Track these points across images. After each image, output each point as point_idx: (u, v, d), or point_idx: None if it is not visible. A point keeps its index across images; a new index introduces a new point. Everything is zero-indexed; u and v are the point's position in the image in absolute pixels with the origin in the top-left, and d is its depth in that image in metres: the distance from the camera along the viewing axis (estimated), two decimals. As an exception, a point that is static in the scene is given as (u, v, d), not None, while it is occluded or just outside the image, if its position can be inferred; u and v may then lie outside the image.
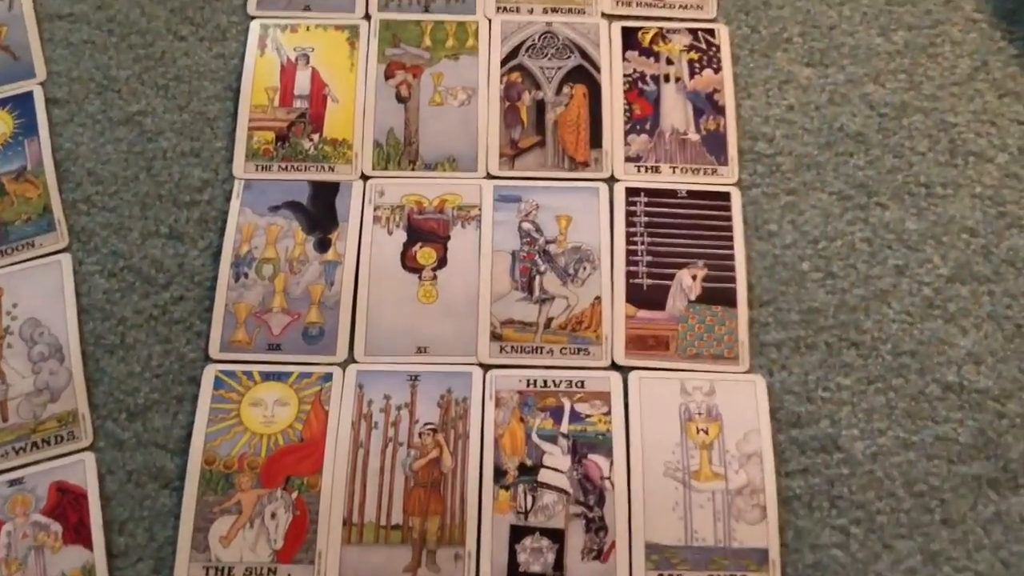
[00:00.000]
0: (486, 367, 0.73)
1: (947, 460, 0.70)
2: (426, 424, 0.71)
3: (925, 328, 0.74)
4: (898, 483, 0.69)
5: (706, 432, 0.71)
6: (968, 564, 0.67)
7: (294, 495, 0.69)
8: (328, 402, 0.72)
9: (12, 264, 0.76)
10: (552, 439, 0.71)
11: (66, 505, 0.69)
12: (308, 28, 0.85)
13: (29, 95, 0.82)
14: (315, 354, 0.74)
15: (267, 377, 0.73)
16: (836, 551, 0.68)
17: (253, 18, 0.85)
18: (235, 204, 0.78)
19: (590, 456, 0.70)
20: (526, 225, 0.78)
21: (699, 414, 0.71)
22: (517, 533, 0.68)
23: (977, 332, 0.74)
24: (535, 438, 0.71)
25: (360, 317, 0.74)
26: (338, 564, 0.67)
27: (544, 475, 0.70)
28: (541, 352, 0.74)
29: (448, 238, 0.77)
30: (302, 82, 0.83)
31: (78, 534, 0.68)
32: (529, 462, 0.70)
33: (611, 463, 0.70)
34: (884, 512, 0.69)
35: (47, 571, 0.66)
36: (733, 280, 0.76)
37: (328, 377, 0.73)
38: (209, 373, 0.73)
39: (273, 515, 0.68)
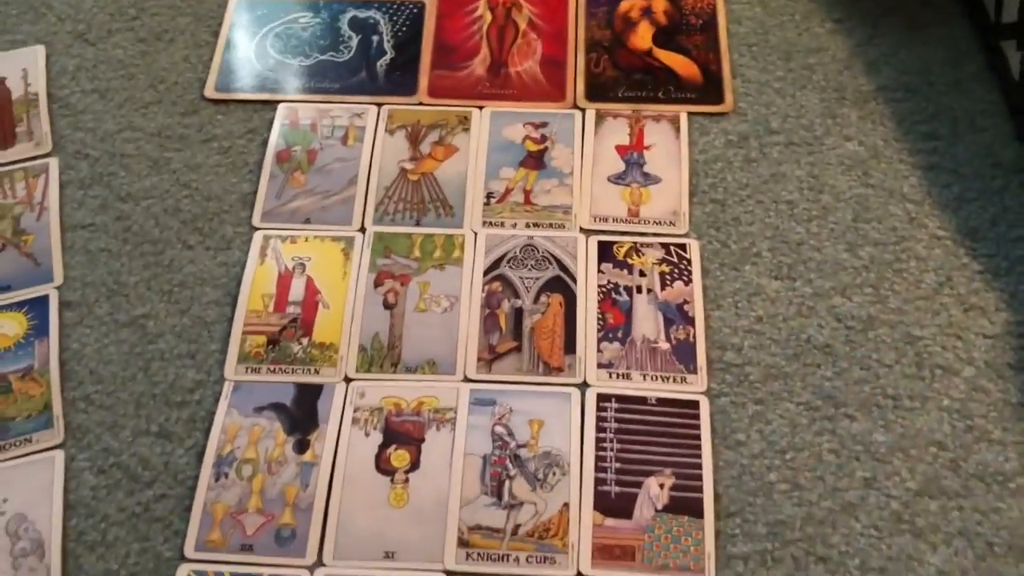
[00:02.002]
0: (452, 575, 0.74)
1: None
2: (388, 632, 0.71)
3: (894, 543, 0.74)
4: None
5: (669, 648, 0.70)
6: None
7: None
8: (294, 606, 0.72)
9: (8, 459, 0.80)
10: (513, 651, 0.70)
11: None
12: (307, 239, 0.91)
13: (45, 299, 0.88)
14: (285, 556, 0.75)
15: (237, 579, 0.74)
16: None
17: (257, 229, 0.92)
18: (223, 404, 0.82)
19: (551, 671, 0.69)
20: (499, 428, 0.80)
21: (663, 629, 0.71)
22: None
23: (947, 548, 0.73)
24: (496, 650, 0.70)
25: (332, 519, 0.76)
26: None
27: None
28: (507, 560, 0.74)
29: (423, 440, 0.80)
30: (296, 289, 0.88)
31: None
32: (489, 675, 0.69)
33: None
34: None
35: None
36: (700, 490, 0.76)
37: (296, 580, 0.74)
38: (183, 572, 0.74)
39: None
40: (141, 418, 0.82)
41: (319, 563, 0.75)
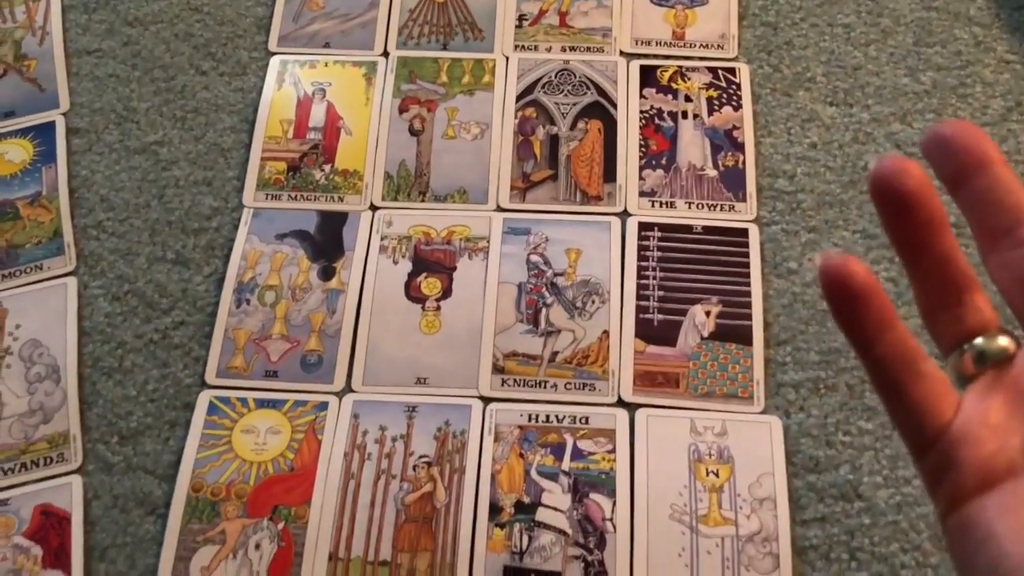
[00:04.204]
0: (487, 400, 0.70)
1: (979, 513, 0.64)
2: (421, 457, 0.68)
3: (955, 372, 0.69)
4: (924, 536, 0.64)
5: (716, 474, 0.66)
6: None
7: (280, 526, 0.66)
8: (322, 431, 0.69)
9: (20, 286, 0.76)
10: (552, 476, 0.67)
11: (49, 528, 0.67)
12: (327, 64, 0.85)
13: (51, 124, 0.83)
14: (312, 382, 0.72)
15: (261, 404, 0.71)
16: (856, 607, 0.62)
17: (274, 54, 0.86)
18: (242, 231, 0.78)
19: (592, 496, 0.66)
20: (534, 257, 0.76)
21: (709, 455, 0.67)
22: (511, 574, 0.64)
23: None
24: (534, 475, 0.67)
25: (360, 346, 0.72)
26: (321, 600, 0.63)
27: (542, 514, 0.66)
28: (545, 386, 0.71)
29: (454, 269, 0.76)
30: (317, 115, 0.83)
31: (58, 559, 0.66)
32: (527, 500, 0.66)
33: (614, 504, 0.66)
34: (909, 567, 0.63)
35: (22, 595, 0.64)
36: (749, 318, 0.72)
37: (323, 406, 0.70)
38: (204, 398, 0.71)
39: (257, 546, 0.65)
40: (156, 245, 0.78)
41: (348, 389, 0.71)
